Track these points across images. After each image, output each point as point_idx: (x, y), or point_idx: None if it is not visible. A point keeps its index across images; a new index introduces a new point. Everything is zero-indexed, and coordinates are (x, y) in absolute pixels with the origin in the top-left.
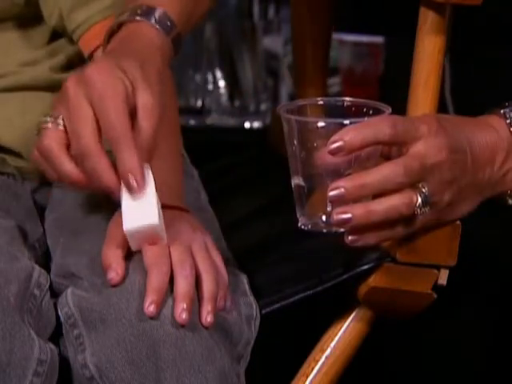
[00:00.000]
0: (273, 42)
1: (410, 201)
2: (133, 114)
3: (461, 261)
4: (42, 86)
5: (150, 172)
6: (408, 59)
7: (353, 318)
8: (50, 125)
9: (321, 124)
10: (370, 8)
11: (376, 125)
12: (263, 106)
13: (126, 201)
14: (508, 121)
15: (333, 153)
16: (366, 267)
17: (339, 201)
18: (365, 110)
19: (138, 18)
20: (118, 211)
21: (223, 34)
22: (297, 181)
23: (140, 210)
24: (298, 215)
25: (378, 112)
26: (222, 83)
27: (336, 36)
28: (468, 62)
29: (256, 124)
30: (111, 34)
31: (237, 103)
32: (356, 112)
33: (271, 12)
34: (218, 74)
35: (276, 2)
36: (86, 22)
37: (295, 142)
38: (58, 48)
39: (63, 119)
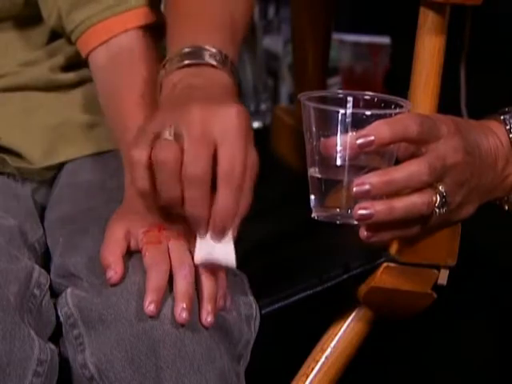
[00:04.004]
0: (273, 42)
1: (431, 200)
2: None
3: (461, 261)
4: (42, 86)
5: None
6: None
7: (353, 318)
8: (169, 137)
9: (341, 113)
10: (371, 8)
11: (404, 121)
12: (263, 106)
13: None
14: (508, 127)
15: (362, 147)
16: (366, 267)
17: (363, 196)
18: (384, 104)
19: (202, 61)
20: (117, 211)
21: None
22: (312, 171)
23: (219, 248)
24: (311, 205)
25: (400, 107)
26: None
27: (336, 36)
28: (484, 74)
29: (256, 124)
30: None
31: None
32: (377, 106)
33: (271, 12)
34: None
35: (276, 2)
36: (84, 23)
37: (314, 131)
38: (57, 48)
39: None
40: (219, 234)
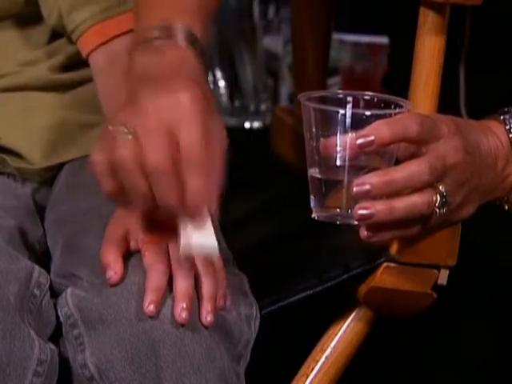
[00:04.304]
0: (273, 42)
1: (431, 200)
2: None
3: (461, 261)
4: (42, 86)
5: None
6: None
7: (353, 318)
8: (125, 135)
9: (341, 113)
10: (371, 8)
11: (404, 121)
12: (263, 106)
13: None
14: (507, 127)
15: (362, 147)
16: (366, 267)
17: (363, 196)
18: (384, 104)
19: (169, 40)
20: (117, 211)
21: (223, 34)
22: (312, 171)
23: (201, 236)
24: (311, 205)
25: (399, 107)
26: (222, 83)
27: (336, 36)
28: (483, 74)
29: (256, 124)
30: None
31: (237, 103)
32: (376, 106)
33: (271, 12)
34: (218, 74)
35: (276, 2)
36: (85, 23)
37: (314, 131)
38: (57, 48)
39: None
40: (196, 219)
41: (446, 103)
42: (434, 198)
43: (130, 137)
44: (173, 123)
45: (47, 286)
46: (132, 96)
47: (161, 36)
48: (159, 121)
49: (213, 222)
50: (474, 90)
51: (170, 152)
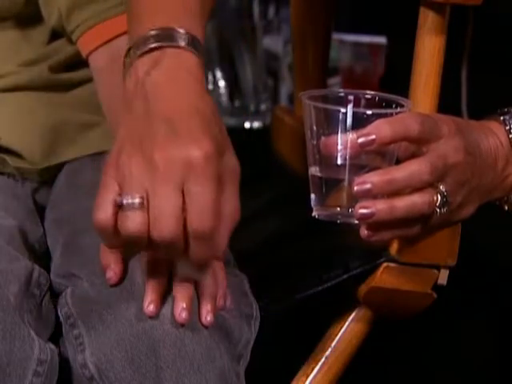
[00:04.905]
0: (273, 42)
1: (432, 200)
2: None
3: (461, 261)
4: (42, 86)
5: None
6: (410, 59)
7: (353, 318)
8: (131, 202)
9: (342, 112)
10: (371, 8)
11: (405, 120)
12: (263, 106)
13: None
14: (507, 127)
15: (363, 145)
16: (365, 267)
17: (364, 195)
18: (385, 104)
19: (171, 43)
20: None
21: (223, 34)
22: (313, 170)
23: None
24: (312, 204)
25: (400, 106)
26: (222, 83)
27: (336, 36)
28: (485, 75)
29: (256, 124)
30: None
31: (237, 103)
32: (377, 105)
33: (271, 12)
34: (218, 73)
35: (276, 2)
36: (86, 23)
37: (314, 130)
38: (57, 48)
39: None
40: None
41: (448, 104)
42: (435, 198)
43: (137, 202)
44: (184, 187)
45: (47, 286)
46: (134, 126)
47: (162, 39)
48: (170, 182)
49: None
50: (475, 91)
51: (178, 225)
